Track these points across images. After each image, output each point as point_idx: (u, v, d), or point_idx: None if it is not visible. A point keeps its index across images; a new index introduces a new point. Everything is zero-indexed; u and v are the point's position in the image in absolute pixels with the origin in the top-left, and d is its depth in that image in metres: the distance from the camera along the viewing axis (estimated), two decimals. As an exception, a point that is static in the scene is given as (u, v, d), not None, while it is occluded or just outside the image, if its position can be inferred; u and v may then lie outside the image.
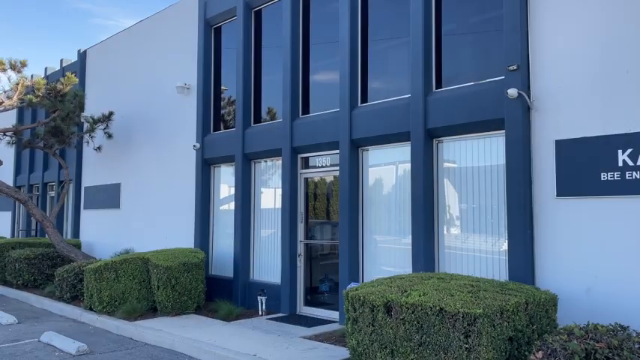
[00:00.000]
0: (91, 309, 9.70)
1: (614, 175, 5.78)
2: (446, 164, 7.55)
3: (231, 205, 10.85)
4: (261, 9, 10.67)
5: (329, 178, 9.34)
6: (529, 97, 6.41)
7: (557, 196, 6.16)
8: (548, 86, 6.33)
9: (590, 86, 6.02)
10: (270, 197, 10.28)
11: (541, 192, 6.30)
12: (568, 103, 6.16)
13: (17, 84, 11.96)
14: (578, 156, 6.03)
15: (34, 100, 12.17)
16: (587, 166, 5.96)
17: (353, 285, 6.50)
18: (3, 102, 12.00)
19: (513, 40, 6.57)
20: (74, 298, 10.69)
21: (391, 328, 5.23)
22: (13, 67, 11.88)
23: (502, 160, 6.85)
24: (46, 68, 18.54)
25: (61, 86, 12.48)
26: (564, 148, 6.13)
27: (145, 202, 12.90)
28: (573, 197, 6.04)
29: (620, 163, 5.74)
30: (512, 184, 6.47)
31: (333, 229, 9.13)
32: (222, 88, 11.51)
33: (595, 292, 5.84)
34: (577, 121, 6.07)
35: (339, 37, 8.77)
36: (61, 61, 17.60)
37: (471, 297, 5.03)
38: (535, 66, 6.45)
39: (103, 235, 14.41)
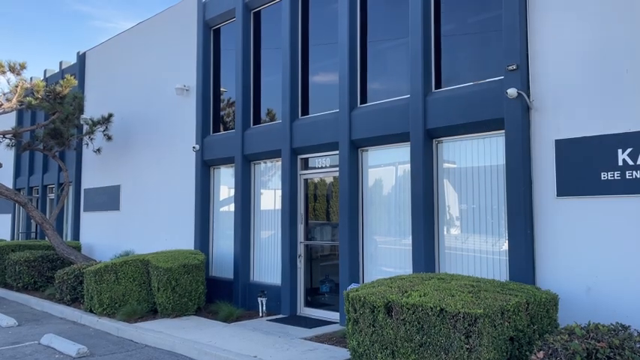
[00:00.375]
0: (91, 311, 9.70)
1: (614, 174, 5.77)
2: (446, 164, 7.54)
3: (231, 207, 10.84)
4: (260, 10, 10.67)
5: (329, 179, 9.33)
6: (529, 96, 6.40)
7: (557, 195, 6.15)
8: (548, 86, 6.32)
9: (589, 86, 6.01)
10: (269, 198, 10.28)
11: (541, 192, 6.29)
12: (568, 103, 6.15)
13: (16, 86, 11.97)
14: (578, 155, 6.02)
15: (33, 103, 12.18)
16: (587, 166, 5.95)
17: (353, 286, 6.50)
18: (2, 104, 12.00)
19: (512, 39, 6.56)
20: (74, 301, 10.68)
21: (392, 328, 5.22)
22: (12, 70, 11.89)
23: (502, 160, 6.85)
24: (45, 70, 18.54)
25: (61, 88, 12.48)
26: (564, 148, 6.12)
27: (145, 203, 12.89)
28: (573, 197, 6.04)
29: (620, 163, 5.74)
30: (512, 184, 6.46)
31: (333, 230, 9.13)
32: (222, 89, 11.51)
33: (595, 291, 5.84)
34: (577, 120, 6.07)
35: (338, 37, 8.77)
36: (61, 63, 17.60)
37: (472, 297, 5.02)
38: (534, 66, 6.44)
39: (102, 237, 14.40)
